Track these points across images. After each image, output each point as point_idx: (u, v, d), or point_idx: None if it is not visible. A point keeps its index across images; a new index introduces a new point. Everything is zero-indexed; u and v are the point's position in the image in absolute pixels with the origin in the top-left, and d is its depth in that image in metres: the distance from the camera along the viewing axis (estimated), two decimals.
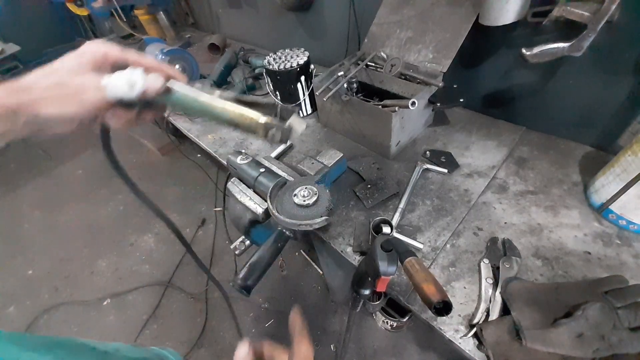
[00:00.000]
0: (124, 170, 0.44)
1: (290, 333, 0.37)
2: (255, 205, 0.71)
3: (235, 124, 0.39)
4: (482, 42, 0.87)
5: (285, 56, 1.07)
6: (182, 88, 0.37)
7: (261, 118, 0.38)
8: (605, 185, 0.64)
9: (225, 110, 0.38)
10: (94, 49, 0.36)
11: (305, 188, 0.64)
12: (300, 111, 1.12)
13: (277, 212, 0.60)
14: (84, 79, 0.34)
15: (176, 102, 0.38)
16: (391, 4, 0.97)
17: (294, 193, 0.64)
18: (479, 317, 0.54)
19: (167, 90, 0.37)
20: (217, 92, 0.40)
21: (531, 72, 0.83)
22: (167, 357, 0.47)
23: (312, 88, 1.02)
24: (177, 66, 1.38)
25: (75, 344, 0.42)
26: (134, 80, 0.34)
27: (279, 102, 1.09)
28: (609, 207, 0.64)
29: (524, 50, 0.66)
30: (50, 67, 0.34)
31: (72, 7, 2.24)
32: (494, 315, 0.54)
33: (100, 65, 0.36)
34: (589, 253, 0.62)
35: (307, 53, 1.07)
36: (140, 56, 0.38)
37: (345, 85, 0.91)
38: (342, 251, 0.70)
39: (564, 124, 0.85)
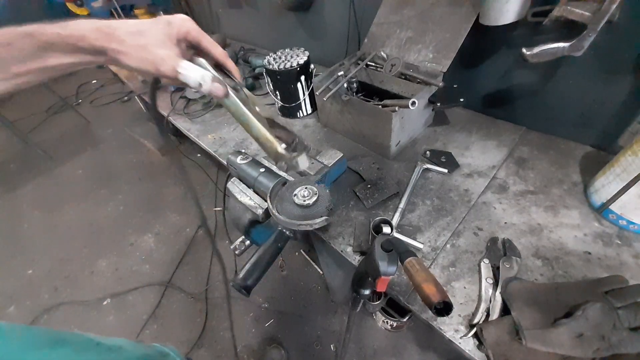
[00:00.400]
0: (161, 120, 0.49)
1: None
2: (255, 205, 0.71)
3: (258, 140, 0.46)
4: (482, 42, 0.87)
5: (285, 56, 1.07)
6: (235, 97, 0.44)
7: (279, 148, 0.45)
8: (605, 185, 0.64)
9: (257, 129, 0.45)
10: (181, 23, 0.40)
11: (305, 188, 0.64)
12: (300, 111, 1.12)
13: (277, 212, 0.60)
14: (166, 53, 0.39)
15: (225, 104, 0.44)
16: (391, 4, 0.97)
17: (294, 193, 0.64)
18: (479, 317, 0.54)
19: (225, 95, 0.43)
20: (259, 107, 0.47)
21: (531, 72, 0.83)
22: (168, 354, 0.47)
23: (312, 88, 1.02)
24: None
25: (80, 340, 0.42)
26: (204, 82, 0.40)
27: (279, 101, 1.09)
28: (609, 207, 0.64)
29: (524, 50, 0.66)
30: (140, 27, 0.38)
31: (72, 6, 2.25)
32: (494, 315, 0.54)
33: (181, 39, 0.41)
34: (589, 253, 0.62)
35: (307, 53, 1.07)
36: (213, 45, 0.43)
37: (345, 85, 0.91)
38: (342, 251, 0.70)
39: (564, 124, 0.85)
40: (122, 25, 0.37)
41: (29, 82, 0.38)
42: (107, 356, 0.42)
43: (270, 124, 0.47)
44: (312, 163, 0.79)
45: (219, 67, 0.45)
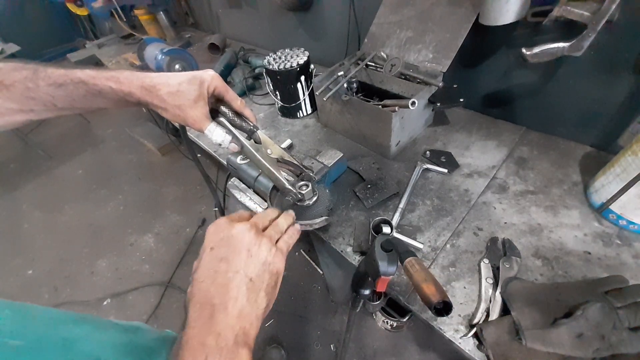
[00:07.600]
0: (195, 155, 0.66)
1: None
2: (255, 205, 0.71)
3: (269, 178, 0.55)
4: (482, 42, 0.87)
5: (285, 56, 1.07)
6: (249, 147, 0.52)
7: (286, 184, 0.54)
8: (605, 185, 0.64)
9: (267, 169, 0.53)
10: (210, 82, 0.47)
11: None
12: (300, 111, 1.12)
13: None
14: (197, 115, 0.47)
15: (242, 152, 0.53)
16: (391, 4, 0.97)
17: None
18: (479, 317, 0.54)
19: (239, 151, 0.53)
20: (271, 147, 0.55)
21: (531, 72, 0.83)
22: None
23: (312, 88, 1.02)
24: (177, 66, 1.38)
25: (99, 320, 0.43)
26: (224, 143, 0.51)
27: (279, 102, 1.09)
28: (609, 207, 0.64)
29: (524, 50, 0.66)
30: (179, 87, 0.45)
31: (72, 7, 2.25)
32: (494, 315, 0.54)
33: (210, 95, 0.48)
34: (589, 253, 0.62)
35: (307, 53, 1.07)
36: (234, 98, 0.51)
37: (345, 85, 0.91)
38: (342, 251, 0.70)
39: (564, 124, 0.85)
40: (164, 87, 0.44)
41: (70, 113, 0.45)
42: (125, 335, 0.43)
43: (281, 160, 0.57)
44: (313, 163, 0.79)
45: (237, 113, 0.53)
